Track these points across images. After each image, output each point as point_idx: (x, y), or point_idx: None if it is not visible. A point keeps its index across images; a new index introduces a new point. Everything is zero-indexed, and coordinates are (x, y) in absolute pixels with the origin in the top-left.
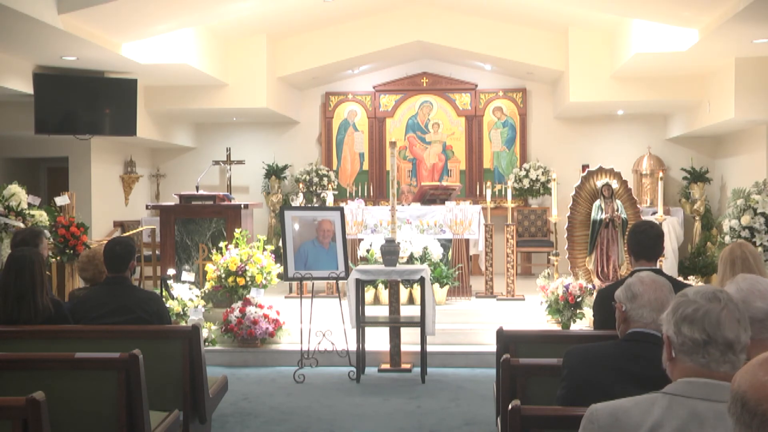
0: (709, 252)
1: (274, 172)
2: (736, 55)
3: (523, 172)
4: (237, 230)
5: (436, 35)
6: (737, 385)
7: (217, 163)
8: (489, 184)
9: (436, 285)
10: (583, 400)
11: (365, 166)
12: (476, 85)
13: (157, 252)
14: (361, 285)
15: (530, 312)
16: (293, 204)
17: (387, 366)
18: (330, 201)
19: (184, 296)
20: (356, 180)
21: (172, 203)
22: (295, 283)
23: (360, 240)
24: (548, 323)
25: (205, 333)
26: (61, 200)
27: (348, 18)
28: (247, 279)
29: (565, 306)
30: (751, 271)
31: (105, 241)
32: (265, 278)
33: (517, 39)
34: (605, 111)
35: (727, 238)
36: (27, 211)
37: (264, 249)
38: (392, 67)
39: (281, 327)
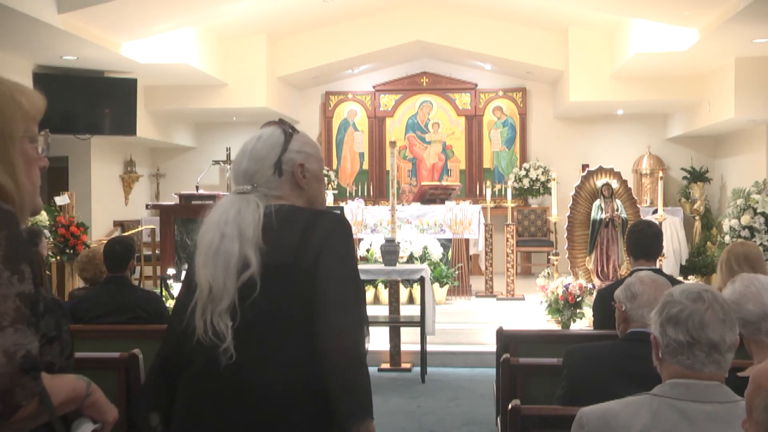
0: (709, 252)
1: None
2: (736, 55)
3: (522, 172)
4: None
5: (435, 35)
6: None
7: (217, 162)
8: (489, 183)
9: (436, 284)
10: (582, 400)
11: (365, 166)
12: (476, 85)
13: (157, 252)
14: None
15: (530, 312)
16: None
17: (387, 365)
18: (330, 201)
19: None
20: (356, 180)
21: (172, 203)
22: None
23: (360, 239)
24: (548, 323)
25: None
26: (61, 200)
27: (348, 18)
28: None
29: (565, 306)
30: (753, 271)
31: (105, 241)
32: None
33: (517, 39)
34: (605, 111)
35: (727, 238)
36: None
37: None
38: (392, 67)
39: None
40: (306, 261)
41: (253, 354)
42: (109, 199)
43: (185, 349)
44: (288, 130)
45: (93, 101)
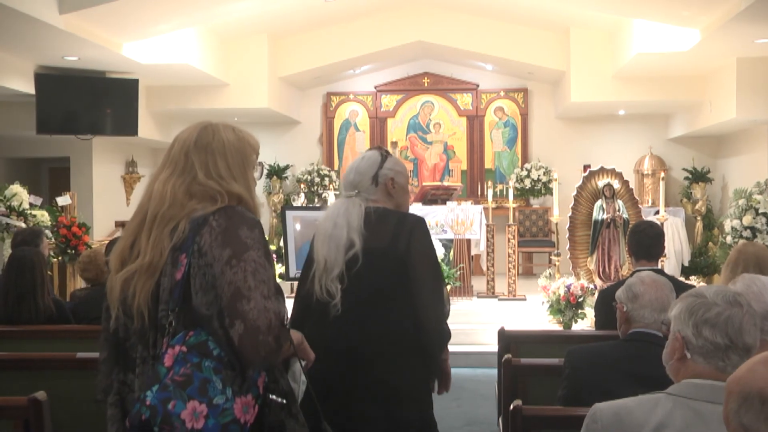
0: (710, 252)
1: (276, 172)
2: (737, 55)
3: (524, 172)
4: None
5: (437, 35)
6: (747, 386)
7: None
8: (490, 184)
9: None
10: (584, 401)
11: None
12: (477, 85)
13: None
14: None
15: (532, 312)
16: (294, 204)
17: None
18: (331, 201)
19: None
20: None
21: None
22: (296, 283)
23: None
24: (550, 323)
25: None
26: (62, 200)
27: (349, 18)
28: None
29: (567, 306)
30: (759, 272)
31: (106, 241)
32: None
33: (518, 39)
34: (606, 111)
35: (729, 239)
36: (28, 211)
37: None
38: (393, 67)
39: None
40: (398, 248)
41: (355, 309)
42: (110, 200)
43: (307, 306)
44: (384, 153)
45: (94, 101)
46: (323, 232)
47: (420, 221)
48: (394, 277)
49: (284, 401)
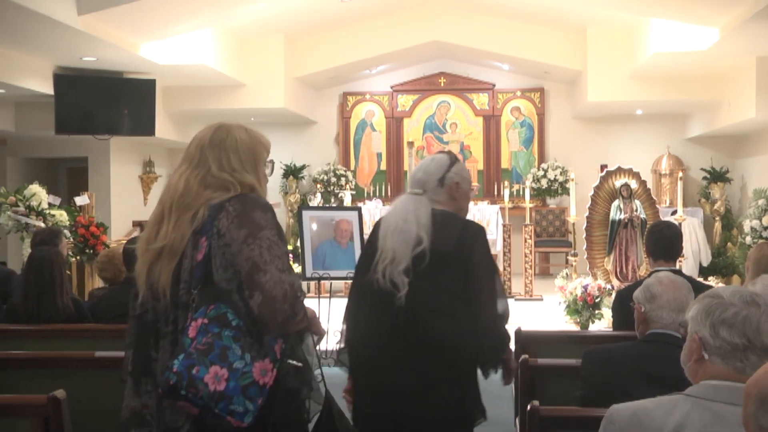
0: (729, 253)
1: (292, 172)
2: (757, 54)
3: (541, 172)
4: None
5: (453, 35)
6: (765, 388)
7: None
8: (507, 184)
9: None
10: (601, 401)
11: (383, 166)
12: (494, 85)
13: None
14: None
15: (549, 312)
16: (311, 204)
17: None
18: (348, 201)
19: None
20: (374, 180)
21: None
22: (312, 283)
23: None
24: (567, 324)
25: None
26: (80, 200)
27: (365, 18)
28: None
29: (584, 306)
30: None
31: (124, 241)
32: None
33: (534, 39)
34: (624, 111)
35: (748, 239)
36: (47, 211)
37: None
38: (410, 67)
39: None
40: (462, 254)
41: (420, 305)
42: (128, 200)
43: (365, 294)
44: (452, 158)
45: (112, 102)
46: (392, 226)
47: (482, 230)
48: (456, 280)
49: (301, 364)
